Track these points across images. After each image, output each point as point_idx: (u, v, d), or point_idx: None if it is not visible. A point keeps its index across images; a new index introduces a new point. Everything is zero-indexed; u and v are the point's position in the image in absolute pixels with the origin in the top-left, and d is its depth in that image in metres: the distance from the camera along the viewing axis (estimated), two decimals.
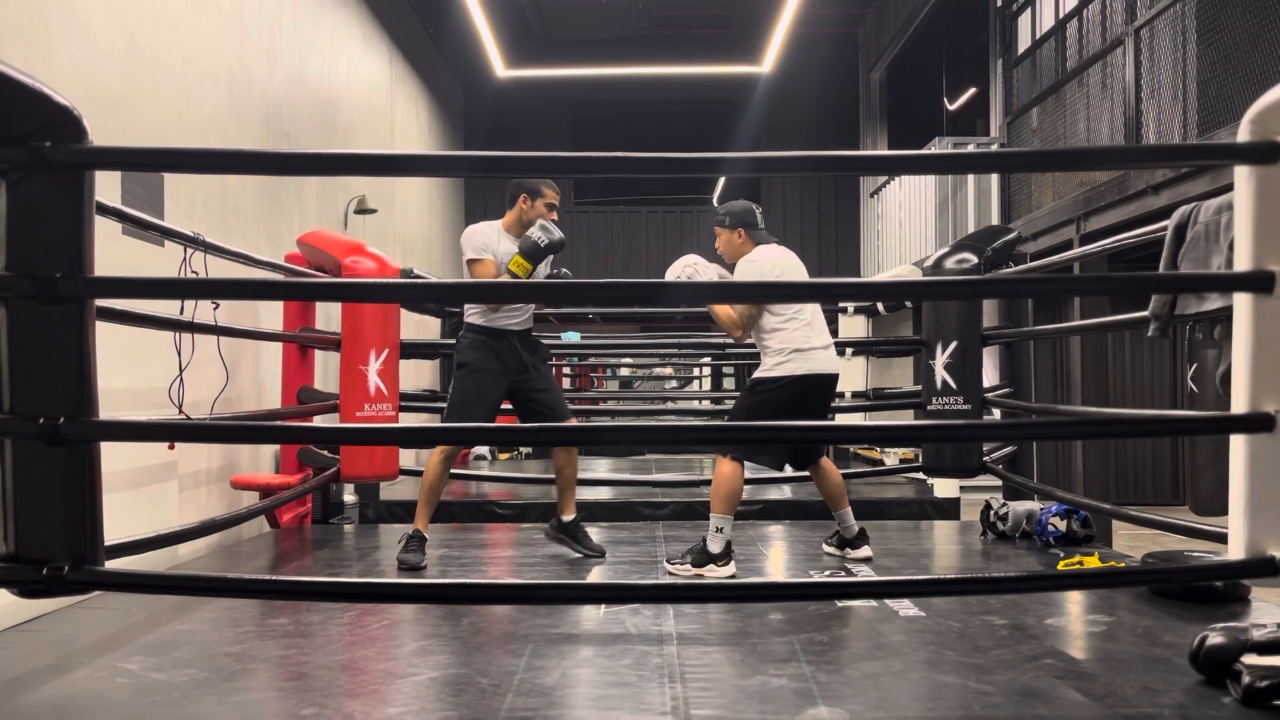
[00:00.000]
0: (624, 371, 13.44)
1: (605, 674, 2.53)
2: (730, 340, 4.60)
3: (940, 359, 5.06)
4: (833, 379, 3.82)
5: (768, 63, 11.54)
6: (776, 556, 4.31)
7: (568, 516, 4.11)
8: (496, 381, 3.97)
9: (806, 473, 4.07)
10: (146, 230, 3.35)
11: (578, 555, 4.10)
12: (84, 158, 2.04)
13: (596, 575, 3.86)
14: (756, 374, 3.83)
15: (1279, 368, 1.98)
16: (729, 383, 13.31)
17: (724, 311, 3.73)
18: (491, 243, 3.94)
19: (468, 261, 3.95)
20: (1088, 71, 7.36)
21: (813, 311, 3.80)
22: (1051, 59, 8.23)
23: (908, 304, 7.49)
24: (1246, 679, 2.16)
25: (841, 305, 7.65)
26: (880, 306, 7.71)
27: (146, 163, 3.25)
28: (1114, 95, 6.90)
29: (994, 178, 8.87)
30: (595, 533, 4.43)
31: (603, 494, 5.99)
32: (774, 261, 3.78)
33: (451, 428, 4.04)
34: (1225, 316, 2.83)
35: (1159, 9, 6.24)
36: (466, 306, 4.11)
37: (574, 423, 4.54)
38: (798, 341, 3.72)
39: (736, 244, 3.86)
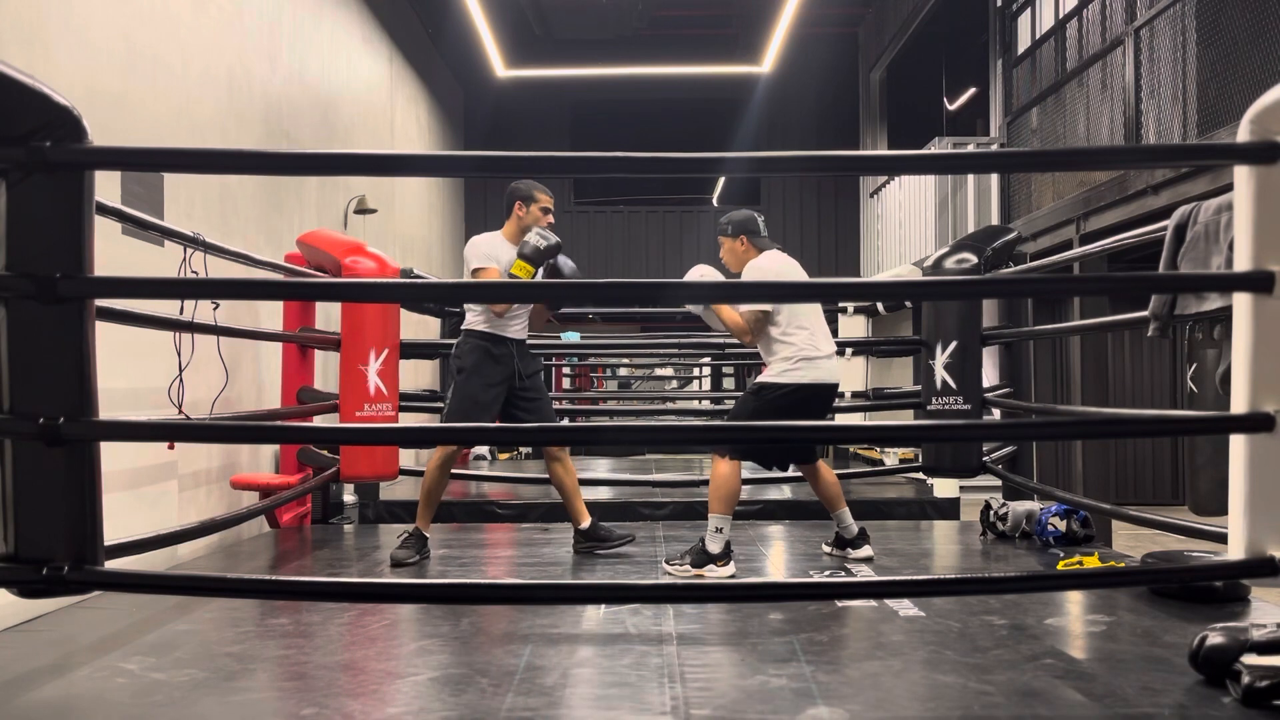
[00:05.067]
0: (622, 372, 13.43)
1: (605, 674, 2.53)
2: (731, 340, 4.61)
3: (940, 359, 5.07)
4: (834, 387, 3.89)
5: (767, 63, 11.53)
6: (776, 556, 4.30)
7: (584, 524, 4.16)
8: (495, 386, 4.02)
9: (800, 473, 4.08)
10: (146, 230, 3.35)
11: (609, 552, 4.13)
12: (84, 158, 2.04)
13: (596, 575, 3.86)
14: (762, 378, 3.85)
15: (1279, 368, 1.98)
16: (729, 383, 13.30)
17: (730, 317, 3.76)
18: (496, 251, 4.00)
19: (473, 271, 3.99)
20: (1088, 71, 7.36)
21: (816, 318, 3.84)
22: (1051, 59, 8.22)
23: (908, 304, 7.49)
24: (1246, 679, 2.16)
25: (841, 305, 7.65)
26: (880, 306, 7.71)
27: (146, 163, 3.26)
28: (1114, 95, 6.89)
29: (994, 178, 8.87)
30: None
31: (603, 494, 5.98)
32: (779, 269, 3.82)
33: (451, 428, 4.05)
34: (1225, 316, 2.83)
35: (1159, 9, 6.24)
36: (468, 313, 4.13)
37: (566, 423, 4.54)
38: (808, 350, 3.76)
39: (740, 252, 3.91)
